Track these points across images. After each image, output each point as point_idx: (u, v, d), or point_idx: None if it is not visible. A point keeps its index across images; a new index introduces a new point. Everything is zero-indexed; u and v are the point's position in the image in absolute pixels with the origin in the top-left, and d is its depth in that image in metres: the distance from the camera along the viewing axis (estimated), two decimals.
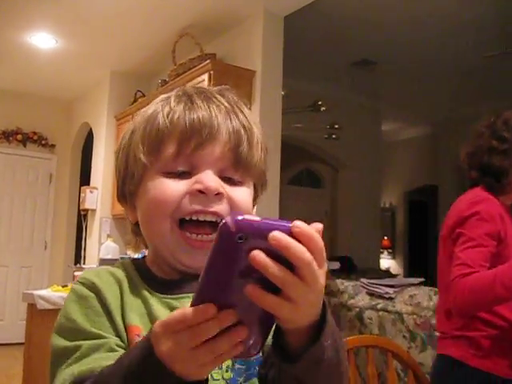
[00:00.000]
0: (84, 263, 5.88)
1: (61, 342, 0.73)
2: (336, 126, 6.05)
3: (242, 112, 0.81)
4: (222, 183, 0.77)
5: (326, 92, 6.29)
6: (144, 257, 0.86)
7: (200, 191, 0.75)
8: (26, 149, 6.87)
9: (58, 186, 7.08)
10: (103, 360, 0.68)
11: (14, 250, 6.78)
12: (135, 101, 5.64)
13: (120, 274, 0.81)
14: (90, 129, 6.55)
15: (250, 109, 0.87)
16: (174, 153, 0.76)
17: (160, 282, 0.81)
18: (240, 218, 0.51)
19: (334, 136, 6.17)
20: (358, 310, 3.48)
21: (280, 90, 4.37)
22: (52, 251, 7.01)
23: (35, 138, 6.90)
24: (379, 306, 3.34)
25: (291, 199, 7.48)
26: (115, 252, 4.67)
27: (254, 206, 0.86)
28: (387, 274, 6.96)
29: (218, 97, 0.81)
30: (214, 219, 0.76)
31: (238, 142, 0.78)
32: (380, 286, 3.45)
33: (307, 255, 0.52)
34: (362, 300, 3.49)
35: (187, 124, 0.76)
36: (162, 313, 0.76)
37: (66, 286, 3.89)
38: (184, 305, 0.75)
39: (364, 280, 3.64)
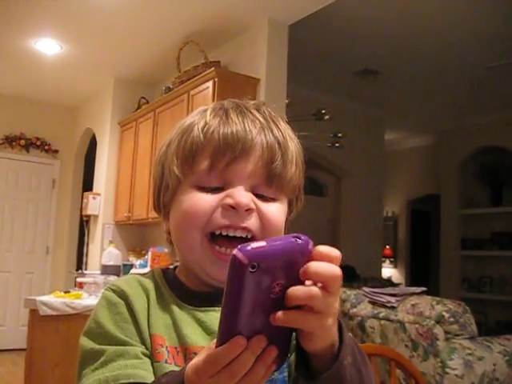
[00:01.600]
0: (86, 269, 5.88)
1: (89, 343, 0.75)
2: (339, 135, 6.05)
3: (277, 127, 0.81)
4: (254, 198, 0.77)
5: (330, 100, 6.30)
6: (175, 267, 0.87)
7: (231, 206, 0.75)
8: (29, 154, 6.89)
9: (61, 191, 7.10)
10: (128, 367, 0.70)
11: (15, 255, 6.78)
12: (139, 107, 5.66)
13: (148, 283, 0.82)
14: (94, 135, 6.57)
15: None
16: (208, 168, 0.76)
17: (189, 293, 0.81)
18: (248, 248, 0.53)
19: (337, 144, 6.17)
20: (360, 318, 3.47)
21: (284, 98, 4.38)
22: (54, 257, 7.01)
23: (38, 143, 6.92)
24: (381, 315, 3.33)
25: None
26: (117, 258, 4.67)
27: (287, 220, 0.86)
28: (389, 282, 6.95)
29: (254, 112, 0.81)
30: (244, 235, 0.76)
31: (272, 158, 0.78)
32: (382, 295, 3.44)
33: (337, 271, 0.56)
34: (365, 309, 3.49)
35: (221, 139, 0.76)
36: (188, 324, 0.77)
37: (69, 291, 3.88)
38: (210, 318, 0.77)
39: (366, 289, 3.64)
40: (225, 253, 0.76)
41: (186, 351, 0.74)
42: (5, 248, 6.71)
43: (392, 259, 9.35)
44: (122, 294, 0.79)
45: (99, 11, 4.38)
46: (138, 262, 4.72)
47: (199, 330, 0.76)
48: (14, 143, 6.77)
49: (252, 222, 0.76)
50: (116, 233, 5.76)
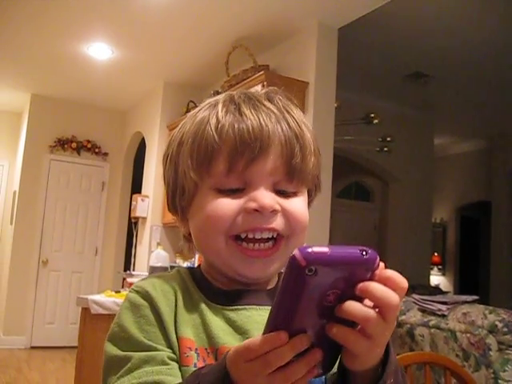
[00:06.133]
0: (134, 270, 5.97)
1: (113, 349, 0.72)
2: (388, 139, 5.99)
3: (292, 117, 0.77)
4: (276, 197, 0.75)
5: (379, 104, 6.23)
6: (199, 265, 0.85)
7: (255, 210, 0.73)
8: (80, 156, 7.05)
9: (110, 193, 7.24)
10: (154, 374, 0.68)
11: (66, 255, 6.94)
12: (188, 111, 5.70)
13: (176, 282, 0.79)
14: (143, 138, 6.67)
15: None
16: (226, 170, 0.74)
17: (217, 292, 0.79)
18: (309, 250, 0.52)
19: (385, 149, 6.10)
20: (409, 326, 3.41)
21: (333, 102, 4.35)
22: (102, 257, 7.15)
23: (89, 146, 7.08)
24: (431, 323, 3.26)
25: (340, 212, 7.41)
26: (165, 260, 4.71)
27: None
28: (437, 290, 6.82)
29: (267, 103, 0.78)
30: (270, 235, 0.75)
31: (291, 153, 0.75)
32: (433, 303, 3.37)
33: (396, 300, 0.55)
34: (414, 316, 3.42)
35: (237, 138, 0.73)
36: (218, 325, 0.75)
37: (119, 291, 3.95)
38: (241, 318, 0.75)
39: (416, 296, 3.57)
40: (252, 249, 0.74)
41: (217, 352, 0.72)
42: (56, 248, 6.88)
43: (440, 267, 9.18)
44: (146, 296, 0.75)
45: (150, 17, 4.45)
46: (184, 264, 4.76)
47: (230, 329, 0.74)
48: (65, 146, 6.93)
49: (278, 222, 0.74)
50: (164, 235, 5.83)
